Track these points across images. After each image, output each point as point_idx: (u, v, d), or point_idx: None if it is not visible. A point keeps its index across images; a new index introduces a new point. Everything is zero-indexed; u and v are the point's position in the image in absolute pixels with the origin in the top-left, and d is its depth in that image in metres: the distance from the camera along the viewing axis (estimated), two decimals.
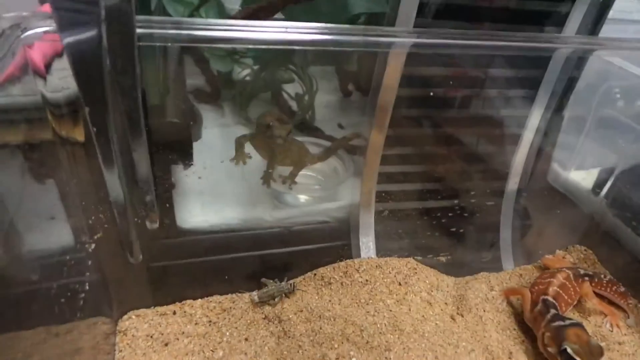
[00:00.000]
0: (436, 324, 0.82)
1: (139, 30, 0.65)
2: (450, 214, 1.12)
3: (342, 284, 0.87)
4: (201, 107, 1.29)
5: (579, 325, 0.79)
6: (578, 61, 1.05)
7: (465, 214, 1.13)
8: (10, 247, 0.57)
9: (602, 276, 0.97)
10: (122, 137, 0.52)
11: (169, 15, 1.06)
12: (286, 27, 0.74)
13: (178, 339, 0.74)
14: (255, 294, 0.83)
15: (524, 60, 1.09)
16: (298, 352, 0.74)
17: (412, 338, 0.77)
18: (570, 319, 0.81)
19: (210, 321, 0.79)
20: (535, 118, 1.13)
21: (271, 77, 1.31)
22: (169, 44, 0.94)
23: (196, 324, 0.78)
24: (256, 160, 1.05)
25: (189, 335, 0.75)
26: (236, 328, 0.78)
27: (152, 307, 0.80)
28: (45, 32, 0.60)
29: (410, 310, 0.83)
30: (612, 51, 1.01)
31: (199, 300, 0.83)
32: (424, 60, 1.05)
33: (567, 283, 0.90)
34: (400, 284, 0.88)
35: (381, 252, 1.02)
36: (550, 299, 0.86)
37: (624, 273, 1.02)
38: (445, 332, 0.81)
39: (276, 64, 1.28)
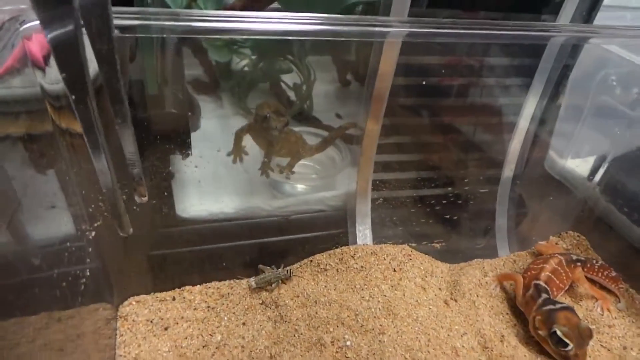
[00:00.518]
0: (430, 308, 0.84)
1: (135, 22, 0.66)
2: (445, 202, 1.13)
3: (337, 270, 0.89)
4: (200, 97, 1.30)
5: (569, 308, 0.81)
6: (573, 49, 1.05)
7: (461, 202, 1.15)
8: (14, 235, 0.58)
9: (594, 261, 0.98)
10: (106, 115, 0.53)
11: (167, 6, 1.07)
12: (282, 18, 0.74)
13: (177, 324, 0.76)
14: (252, 280, 0.85)
15: (519, 48, 1.09)
16: (294, 336, 0.76)
17: (406, 322, 0.79)
18: (561, 302, 0.83)
19: (208, 306, 0.81)
20: (530, 106, 1.13)
21: (269, 68, 1.32)
22: (166, 36, 0.95)
23: (195, 309, 0.80)
24: (254, 150, 1.06)
25: (188, 320, 0.77)
26: (234, 313, 0.80)
27: (152, 294, 0.82)
28: None
29: (404, 295, 0.85)
30: (606, 39, 1.01)
31: (198, 286, 0.85)
32: (419, 49, 1.05)
33: (559, 268, 0.92)
34: (394, 270, 0.90)
35: (377, 239, 1.03)
36: (542, 283, 0.87)
37: (616, 259, 1.04)
38: (439, 317, 0.82)
39: (274, 54, 1.29)
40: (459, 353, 0.76)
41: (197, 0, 1.10)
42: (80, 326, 0.75)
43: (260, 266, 0.90)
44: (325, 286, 0.86)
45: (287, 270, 0.87)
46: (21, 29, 0.59)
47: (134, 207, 0.73)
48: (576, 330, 0.77)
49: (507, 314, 0.90)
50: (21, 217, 0.60)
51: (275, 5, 1.09)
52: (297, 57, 1.26)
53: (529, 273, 0.92)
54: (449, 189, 1.13)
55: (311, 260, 0.92)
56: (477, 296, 0.91)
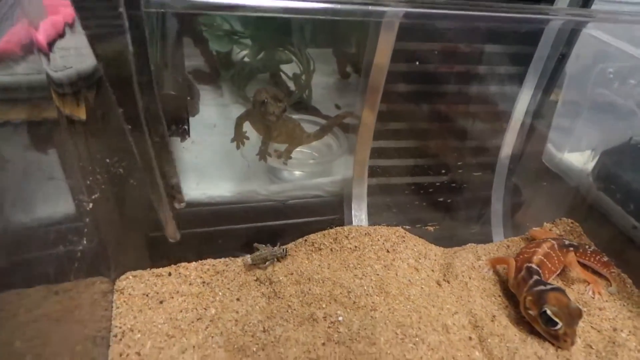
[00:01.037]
0: (422, 287, 0.85)
1: None
2: (441, 188, 1.14)
3: (331, 249, 0.90)
4: (200, 87, 1.31)
5: (559, 289, 0.82)
6: (570, 36, 1.06)
7: (456, 189, 1.16)
8: (13, 208, 0.60)
9: (587, 247, 0.99)
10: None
11: None
12: None
13: (173, 298, 0.78)
14: (248, 257, 0.86)
15: (515, 35, 1.10)
16: (287, 311, 0.77)
17: (398, 300, 0.80)
18: (551, 284, 0.84)
19: (204, 282, 0.82)
20: (526, 94, 1.14)
21: (269, 58, 1.33)
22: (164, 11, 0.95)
23: (190, 284, 0.81)
24: (253, 136, 1.07)
25: (184, 294, 0.79)
26: (229, 289, 0.81)
27: (149, 269, 0.83)
28: None
29: (397, 274, 0.86)
30: (604, 24, 1.02)
31: (194, 263, 0.86)
32: (415, 35, 1.06)
33: (552, 252, 0.93)
34: (388, 251, 0.91)
35: (372, 224, 1.04)
36: (534, 266, 0.88)
37: (608, 245, 1.05)
38: (431, 296, 0.84)
39: (274, 44, 1.30)
40: (450, 330, 0.77)
41: None
42: (78, 299, 0.76)
43: (256, 244, 0.91)
44: (319, 264, 0.87)
45: (283, 249, 0.89)
46: None
47: (132, 181, 0.75)
48: (566, 310, 0.78)
49: (499, 296, 0.91)
50: (23, 193, 0.61)
51: None
52: (297, 47, 1.27)
53: (521, 256, 0.93)
54: (445, 175, 1.15)
55: (305, 240, 0.93)
56: (470, 278, 0.92)
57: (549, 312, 0.78)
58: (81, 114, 1.00)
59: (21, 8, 0.61)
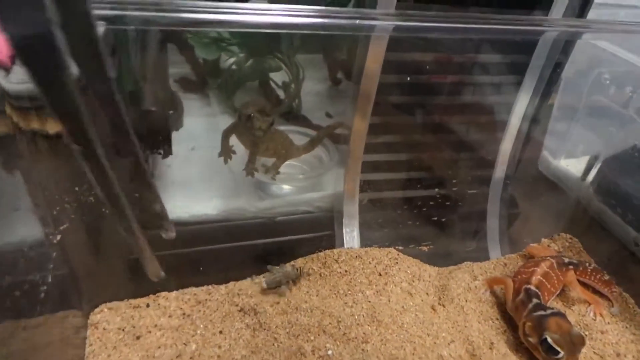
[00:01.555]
0: (416, 314, 0.81)
1: (115, 12, 0.62)
2: (434, 203, 1.10)
3: (320, 274, 0.86)
4: (186, 96, 1.26)
5: (560, 314, 0.78)
6: (565, 45, 1.02)
7: (451, 203, 1.12)
8: None
9: (587, 264, 0.95)
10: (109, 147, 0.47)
11: None
12: (268, 10, 0.71)
13: (150, 332, 0.73)
14: (263, 280, 0.82)
15: (510, 45, 1.07)
16: (273, 344, 0.73)
17: (391, 329, 0.76)
18: (551, 308, 0.80)
19: (184, 313, 0.77)
20: (522, 104, 1.10)
21: (258, 66, 1.29)
22: (149, 28, 0.91)
23: (170, 316, 0.76)
24: (240, 150, 1.03)
25: (162, 328, 0.74)
26: (211, 321, 0.76)
27: (126, 300, 0.78)
28: None
29: (389, 301, 0.82)
30: (599, 34, 0.98)
31: (174, 292, 0.81)
32: (408, 45, 1.02)
33: (551, 272, 0.89)
34: (380, 275, 0.86)
35: (365, 241, 1.00)
36: (532, 288, 0.84)
37: (609, 261, 1.01)
38: (425, 323, 0.79)
39: (263, 51, 1.26)
40: None
41: None
42: (48, 335, 0.71)
43: (269, 266, 0.87)
44: (307, 292, 0.82)
45: (297, 269, 0.85)
46: None
47: (103, 209, 0.70)
48: (568, 337, 0.74)
49: (497, 319, 0.87)
50: None
51: None
52: (285, 54, 1.23)
53: (519, 277, 0.89)
54: (439, 189, 1.11)
55: (292, 265, 0.88)
56: (466, 301, 0.87)
57: (549, 340, 0.74)
58: (40, 127, 0.95)
59: None
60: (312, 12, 0.69)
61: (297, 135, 1.15)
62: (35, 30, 0.32)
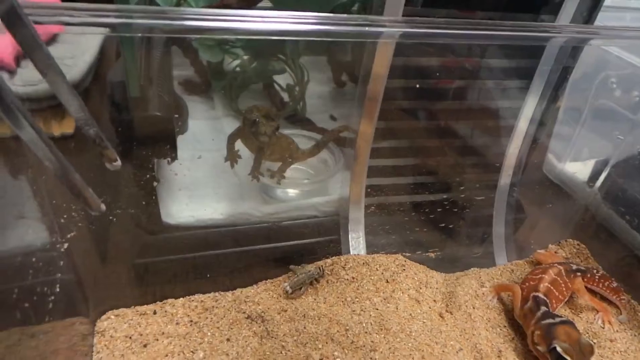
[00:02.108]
0: (424, 322, 0.80)
1: (122, 20, 0.61)
2: (441, 208, 1.09)
3: (327, 281, 0.85)
4: (190, 98, 1.26)
5: (569, 323, 0.78)
6: (572, 50, 1.02)
7: (457, 208, 1.11)
8: None
9: (595, 271, 0.95)
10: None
11: (157, 3, 1.03)
12: (274, 17, 0.70)
13: (158, 340, 0.72)
14: (287, 285, 0.82)
15: (517, 49, 1.06)
16: (281, 352, 0.72)
17: (399, 337, 0.76)
18: (560, 316, 0.80)
19: (191, 321, 0.77)
20: (529, 109, 1.10)
21: (262, 68, 1.28)
22: (154, 35, 0.91)
23: (177, 323, 0.76)
24: (245, 154, 1.03)
25: (169, 335, 0.73)
26: (218, 328, 0.76)
27: (132, 307, 0.78)
28: None
29: (397, 308, 0.81)
30: (607, 40, 0.97)
31: (181, 299, 0.81)
32: (415, 50, 1.02)
33: (559, 279, 0.89)
34: (387, 282, 0.86)
35: (372, 247, 1.00)
36: (541, 295, 0.84)
37: (617, 268, 1.00)
38: (433, 331, 0.79)
39: (267, 54, 1.25)
40: None
41: None
42: (55, 342, 0.71)
43: (292, 267, 0.87)
44: (315, 299, 0.82)
45: (320, 268, 0.85)
46: None
47: (111, 218, 0.70)
48: (577, 346, 0.74)
49: (505, 327, 0.86)
50: None
51: (266, 3, 1.05)
52: (290, 57, 1.23)
53: (527, 284, 0.88)
54: (446, 194, 1.10)
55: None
56: (474, 308, 0.87)
57: (559, 349, 0.73)
58: (67, 128, 0.95)
59: None
60: (318, 19, 0.69)
61: (301, 139, 1.14)
62: None
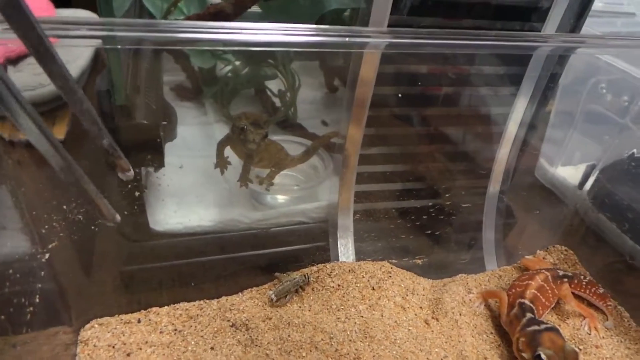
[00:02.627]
0: (409, 329, 0.80)
1: (115, 34, 0.61)
2: (430, 214, 1.10)
3: (313, 289, 0.85)
4: (181, 104, 1.26)
5: (554, 329, 0.78)
6: (560, 58, 1.02)
7: (446, 214, 1.11)
8: None
9: (582, 277, 0.95)
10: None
11: (147, 10, 1.03)
12: (263, 29, 0.70)
13: (141, 349, 0.72)
14: (272, 293, 0.82)
15: (506, 56, 1.06)
16: None
17: (383, 345, 0.76)
18: (546, 323, 0.80)
19: (175, 329, 0.76)
20: (517, 114, 1.10)
21: (254, 74, 1.29)
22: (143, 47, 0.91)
23: (161, 332, 0.76)
24: (235, 160, 1.03)
25: (153, 344, 0.73)
26: (202, 337, 0.76)
27: (117, 315, 0.78)
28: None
29: (382, 316, 0.81)
30: (593, 49, 0.98)
31: (166, 307, 0.81)
32: (403, 57, 1.02)
33: (546, 285, 0.89)
34: (373, 289, 0.86)
35: (360, 254, 1.00)
36: (527, 302, 0.84)
37: (604, 273, 1.01)
38: (418, 338, 0.79)
39: (258, 60, 1.25)
40: None
41: (178, 4, 1.07)
42: (38, 352, 0.71)
43: (277, 274, 0.87)
44: (300, 307, 0.82)
45: (305, 276, 0.85)
46: None
47: (93, 227, 0.70)
48: (561, 353, 0.74)
49: (492, 333, 0.86)
50: None
51: (255, 9, 1.05)
52: (281, 63, 1.23)
53: (513, 290, 0.89)
54: (434, 200, 1.10)
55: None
56: (460, 315, 0.87)
57: (543, 355, 0.73)
58: (58, 134, 0.95)
59: None
60: (305, 30, 0.69)
61: (292, 145, 1.14)
62: None
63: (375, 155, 1.08)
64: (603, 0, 1.47)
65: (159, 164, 0.96)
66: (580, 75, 1.21)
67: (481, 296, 0.92)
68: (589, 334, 0.87)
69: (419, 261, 1.02)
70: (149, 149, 0.94)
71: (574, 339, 0.86)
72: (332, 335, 0.75)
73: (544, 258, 1.07)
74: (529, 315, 0.81)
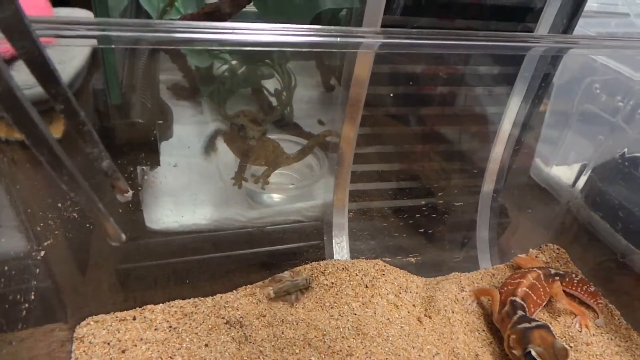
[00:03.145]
0: (401, 327, 0.81)
1: (110, 33, 0.62)
2: (424, 213, 1.10)
3: (307, 287, 0.86)
4: (178, 103, 1.26)
5: (544, 327, 0.79)
6: (552, 58, 1.03)
7: (440, 212, 1.12)
8: None
9: (574, 275, 0.96)
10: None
11: (143, 9, 1.03)
12: (258, 30, 0.71)
13: (136, 346, 0.73)
14: (271, 290, 0.83)
15: (499, 57, 1.07)
16: (259, 357, 0.73)
17: (376, 342, 0.76)
18: (536, 320, 0.81)
19: (170, 326, 0.77)
20: (511, 114, 1.11)
21: (250, 73, 1.29)
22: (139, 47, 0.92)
23: (156, 329, 0.76)
24: (231, 158, 1.03)
25: (148, 341, 0.74)
26: (196, 334, 0.76)
27: (112, 313, 0.79)
28: None
29: (375, 313, 0.82)
30: (585, 50, 0.99)
31: (161, 305, 0.81)
32: (397, 57, 1.03)
33: (537, 283, 0.90)
34: (366, 287, 0.87)
35: (354, 252, 1.00)
36: (518, 300, 0.85)
37: (596, 272, 1.02)
38: (410, 336, 0.80)
39: (255, 59, 1.26)
40: None
41: (175, 4, 1.07)
42: (34, 348, 0.71)
43: (278, 275, 0.88)
44: (293, 304, 0.82)
45: (306, 279, 0.85)
46: None
47: (88, 225, 0.70)
48: (551, 350, 0.75)
49: (484, 330, 0.87)
50: None
51: (250, 8, 1.06)
52: (277, 62, 1.24)
53: (505, 288, 0.90)
54: (429, 199, 1.11)
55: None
56: (453, 312, 0.88)
57: (533, 352, 0.74)
58: (55, 132, 0.95)
59: None
60: (300, 30, 0.70)
61: (288, 144, 1.15)
62: None
63: (369, 155, 1.09)
64: (597, 0, 1.48)
65: (155, 162, 0.97)
66: (575, 75, 1.22)
67: (474, 294, 0.93)
68: (580, 332, 0.88)
69: (413, 259, 1.03)
70: (144, 147, 0.95)
71: (564, 337, 0.87)
72: (325, 333, 0.76)
73: (536, 256, 1.08)
74: (519, 312, 0.82)
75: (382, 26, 0.85)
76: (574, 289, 0.95)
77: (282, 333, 0.76)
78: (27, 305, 0.64)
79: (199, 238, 1.01)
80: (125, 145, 0.89)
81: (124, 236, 0.53)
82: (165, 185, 1.02)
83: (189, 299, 0.83)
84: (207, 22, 0.70)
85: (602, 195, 1.12)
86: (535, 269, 0.94)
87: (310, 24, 0.98)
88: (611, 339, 0.88)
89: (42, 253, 0.66)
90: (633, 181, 1.06)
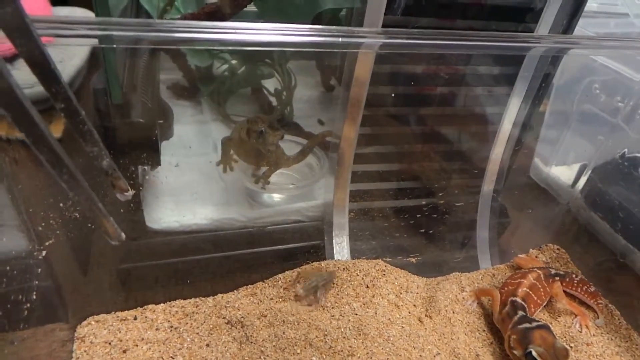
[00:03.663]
0: (402, 327, 0.81)
1: (111, 33, 0.62)
2: (424, 213, 1.11)
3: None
4: (178, 103, 1.26)
5: (545, 327, 0.79)
6: (553, 58, 1.03)
7: (441, 213, 1.12)
8: None
9: (574, 276, 0.96)
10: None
11: (143, 8, 1.03)
12: (254, 30, 0.71)
13: (137, 346, 0.73)
14: (299, 288, 0.83)
15: (499, 57, 1.07)
16: (260, 357, 0.73)
17: (377, 342, 0.77)
18: (537, 320, 0.81)
19: (171, 326, 0.77)
20: (511, 114, 1.11)
21: (250, 73, 1.29)
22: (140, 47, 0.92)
23: (157, 329, 0.76)
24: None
25: (149, 341, 0.74)
26: (198, 334, 0.76)
27: (113, 313, 0.79)
28: None
29: (376, 313, 0.82)
30: (586, 50, 0.99)
31: (162, 304, 0.81)
32: (396, 56, 1.03)
33: (538, 283, 0.90)
34: (367, 287, 0.87)
35: (355, 252, 1.01)
36: (518, 300, 0.85)
37: (595, 272, 1.02)
38: (411, 336, 0.80)
39: (255, 59, 1.26)
40: None
41: (175, 3, 1.07)
42: (35, 348, 0.71)
43: (300, 269, 0.88)
44: (295, 304, 0.82)
45: (329, 273, 0.85)
46: None
47: (90, 225, 0.70)
48: (552, 350, 0.75)
49: (484, 331, 0.87)
50: None
51: (251, 7, 1.05)
52: (277, 62, 1.24)
53: (506, 288, 0.90)
54: (429, 199, 1.11)
55: (280, 278, 0.89)
56: (453, 312, 0.88)
57: (534, 353, 0.74)
58: (55, 131, 0.95)
59: None
60: (300, 30, 0.70)
61: (288, 144, 1.15)
62: None
63: (370, 155, 1.09)
64: (597, 1, 1.48)
65: (156, 162, 0.97)
66: (575, 75, 1.22)
67: (474, 294, 0.93)
68: (580, 332, 0.89)
69: (413, 259, 1.03)
70: (145, 147, 0.95)
71: (565, 337, 0.87)
72: (326, 333, 0.76)
73: (536, 257, 1.08)
74: (520, 313, 0.82)
75: (383, 26, 0.85)
76: (574, 289, 0.95)
77: (284, 333, 0.76)
78: (28, 305, 0.64)
79: (200, 238, 1.01)
80: (126, 145, 0.89)
81: (123, 235, 0.53)
82: (166, 185, 1.02)
83: (190, 298, 0.83)
84: (207, 22, 0.70)
85: (602, 196, 1.12)
86: (535, 269, 0.94)
87: (311, 23, 0.98)
88: (611, 339, 0.88)
89: (44, 253, 0.66)
90: (633, 181, 1.06)
